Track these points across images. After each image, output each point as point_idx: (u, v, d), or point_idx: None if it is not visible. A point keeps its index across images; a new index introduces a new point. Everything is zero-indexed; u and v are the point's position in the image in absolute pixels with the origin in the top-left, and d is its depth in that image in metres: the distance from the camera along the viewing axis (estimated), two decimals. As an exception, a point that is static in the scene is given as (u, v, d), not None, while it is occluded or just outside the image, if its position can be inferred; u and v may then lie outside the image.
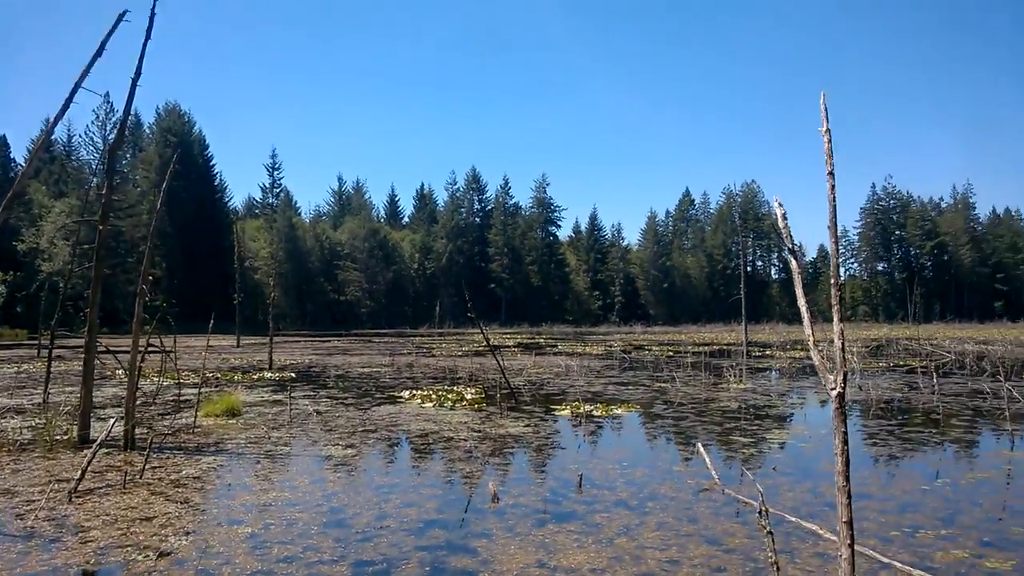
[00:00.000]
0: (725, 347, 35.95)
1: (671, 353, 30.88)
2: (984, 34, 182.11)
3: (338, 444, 9.39)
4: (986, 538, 5.37)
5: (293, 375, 20.07)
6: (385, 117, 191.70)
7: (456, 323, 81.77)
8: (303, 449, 9.14)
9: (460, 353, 30.93)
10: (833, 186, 3.13)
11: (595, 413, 12.33)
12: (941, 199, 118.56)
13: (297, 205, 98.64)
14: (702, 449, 7.11)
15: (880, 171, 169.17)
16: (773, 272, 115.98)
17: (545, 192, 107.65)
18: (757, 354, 30.15)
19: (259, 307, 68.66)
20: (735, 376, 18.65)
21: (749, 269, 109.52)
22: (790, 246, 3.22)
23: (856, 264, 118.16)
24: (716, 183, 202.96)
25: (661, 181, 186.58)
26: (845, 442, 2.86)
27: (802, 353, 29.15)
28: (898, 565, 4.60)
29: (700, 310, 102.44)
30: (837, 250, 3.03)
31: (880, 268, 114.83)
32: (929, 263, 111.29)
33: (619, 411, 12.61)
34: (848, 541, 2.87)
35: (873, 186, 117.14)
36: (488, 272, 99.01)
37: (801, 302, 3.23)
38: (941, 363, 23.12)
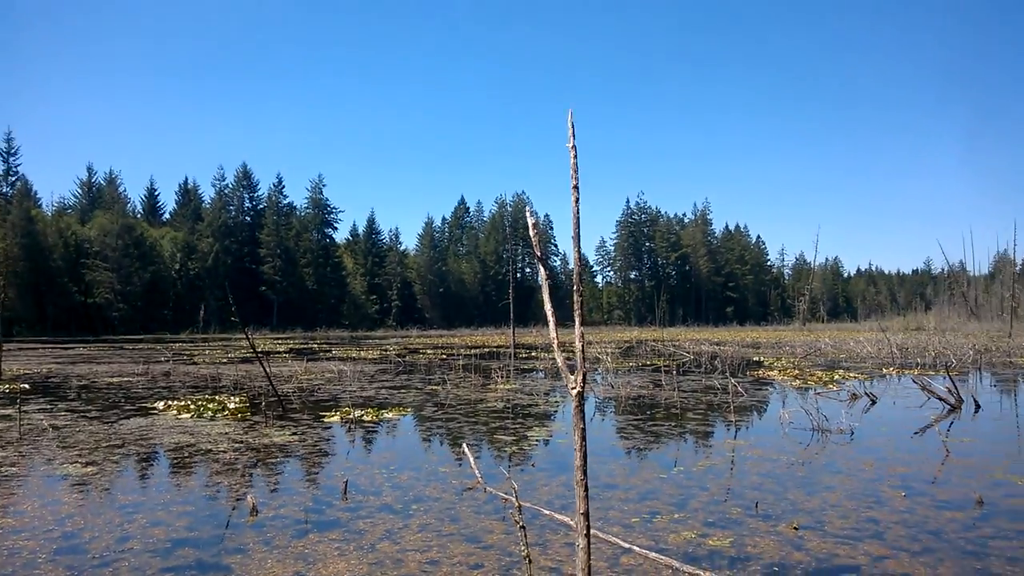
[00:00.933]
0: (495, 349, 37.25)
1: (444, 356, 31.38)
2: (714, 68, 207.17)
3: (77, 462, 8.37)
4: (711, 519, 6.01)
5: (26, 386, 17.59)
6: (143, 104, 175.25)
7: (222, 328, 76.71)
8: (34, 469, 8.05)
9: (225, 360, 29.03)
10: (577, 199, 3.34)
11: (366, 418, 12.16)
12: (685, 215, 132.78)
13: (37, 196, 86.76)
14: (467, 449, 7.27)
15: (636, 187, 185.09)
16: (538, 279, 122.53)
17: (321, 193, 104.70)
18: (524, 356, 31.57)
19: (-16, 310, 59.38)
20: (503, 377, 19.36)
21: (519, 276, 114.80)
22: (538, 254, 3.39)
23: (612, 272, 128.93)
24: (489, 192, 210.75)
25: (438, 188, 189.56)
26: (583, 438, 3.06)
27: (564, 354, 31.03)
28: (637, 549, 5.00)
29: (474, 314, 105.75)
30: (579, 258, 3.23)
31: (633, 276, 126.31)
32: (674, 272, 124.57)
33: (390, 415, 12.54)
34: (585, 531, 3.08)
35: (628, 201, 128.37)
36: (259, 274, 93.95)
37: (547, 307, 3.41)
38: (682, 362, 25.79)
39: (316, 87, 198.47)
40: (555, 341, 3.38)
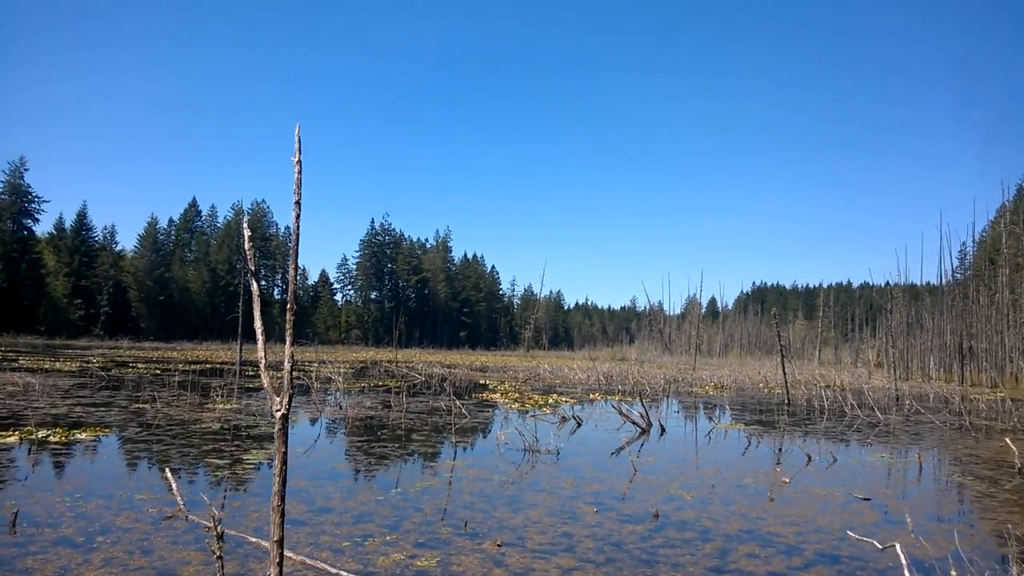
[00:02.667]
0: (220, 365, 34.84)
1: (159, 371, 28.70)
2: (464, 99, 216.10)
3: None
4: (421, 540, 6.14)
5: None
6: None
7: None
8: None
9: None
10: (299, 215, 3.28)
11: (53, 439, 10.71)
12: (427, 240, 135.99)
13: None
14: (169, 474, 6.67)
15: (383, 208, 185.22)
16: (277, 292, 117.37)
17: (22, 178, 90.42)
18: (251, 373, 29.92)
19: None
20: (224, 396, 18.16)
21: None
22: (251, 269, 3.26)
23: (353, 291, 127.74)
24: (226, 197, 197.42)
25: (165, 186, 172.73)
26: (284, 462, 2.97)
27: (295, 372, 29.82)
28: (344, 574, 4.95)
29: (199, 326, 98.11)
30: (296, 276, 3.17)
31: (373, 296, 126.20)
32: (414, 295, 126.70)
33: (83, 436, 11.16)
34: (277, 560, 2.98)
35: (372, 221, 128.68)
36: (-71, 267, 78.71)
37: (257, 324, 3.29)
38: (413, 384, 26.14)
39: (27, 59, 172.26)
40: (262, 361, 3.27)
